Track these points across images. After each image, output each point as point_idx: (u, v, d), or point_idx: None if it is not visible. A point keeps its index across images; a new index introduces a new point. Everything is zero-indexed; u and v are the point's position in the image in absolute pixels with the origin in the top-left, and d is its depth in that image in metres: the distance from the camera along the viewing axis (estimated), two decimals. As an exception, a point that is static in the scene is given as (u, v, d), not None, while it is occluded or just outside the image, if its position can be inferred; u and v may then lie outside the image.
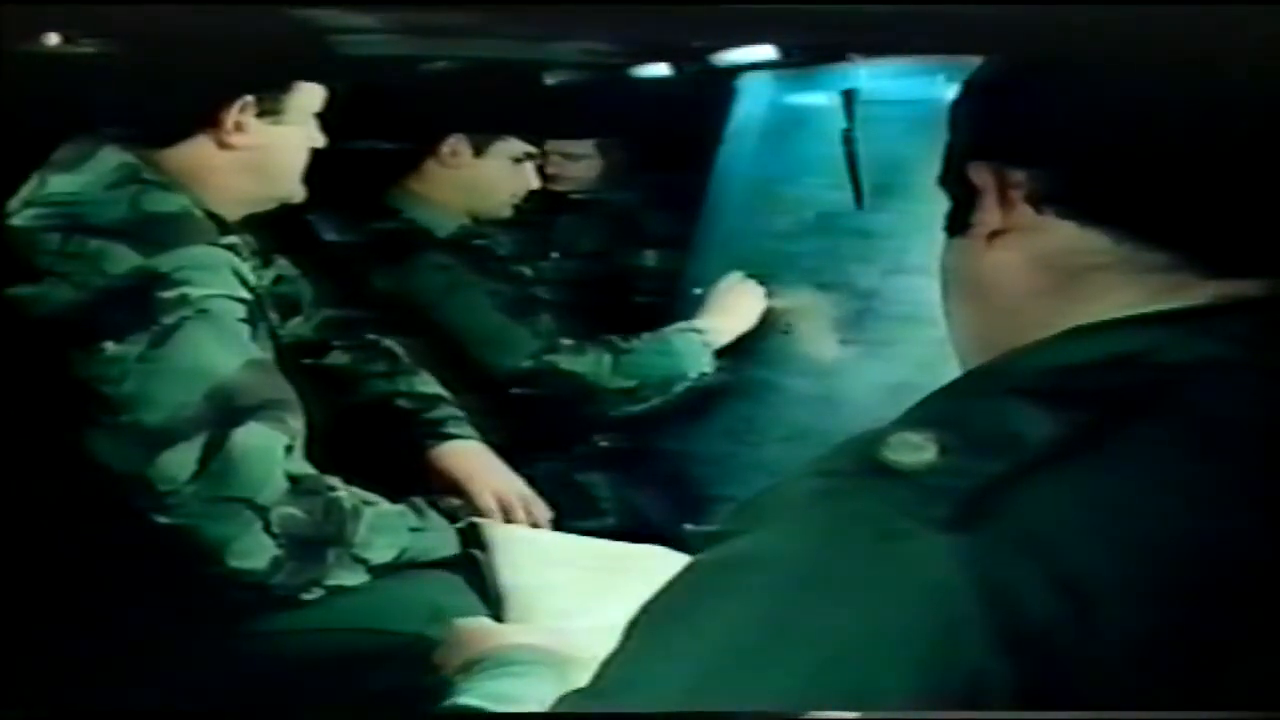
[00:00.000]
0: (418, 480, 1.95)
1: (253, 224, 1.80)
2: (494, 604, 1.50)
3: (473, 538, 1.66)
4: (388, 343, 2.12)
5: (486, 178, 2.37)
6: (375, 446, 2.04)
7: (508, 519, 1.88)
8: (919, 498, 0.63)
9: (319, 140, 1.75)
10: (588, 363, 2.24)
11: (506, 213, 2.44)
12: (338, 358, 2.08)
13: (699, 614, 0.66)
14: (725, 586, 0.67)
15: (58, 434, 1.52)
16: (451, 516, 1.71)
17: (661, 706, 0.64)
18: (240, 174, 1.68)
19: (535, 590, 1.52)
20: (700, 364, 2.27)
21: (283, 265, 2.02)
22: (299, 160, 1.74)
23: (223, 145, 1.65)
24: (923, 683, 0.61)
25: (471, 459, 1.98)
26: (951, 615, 0.61)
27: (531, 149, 2.41)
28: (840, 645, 0.62)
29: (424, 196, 2.35)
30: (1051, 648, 0.60)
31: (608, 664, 0.69)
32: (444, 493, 1.90)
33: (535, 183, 2.43)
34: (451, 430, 2.02)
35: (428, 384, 2.09)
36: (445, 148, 2.34)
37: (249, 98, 1.65)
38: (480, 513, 1.86)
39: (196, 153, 1.65)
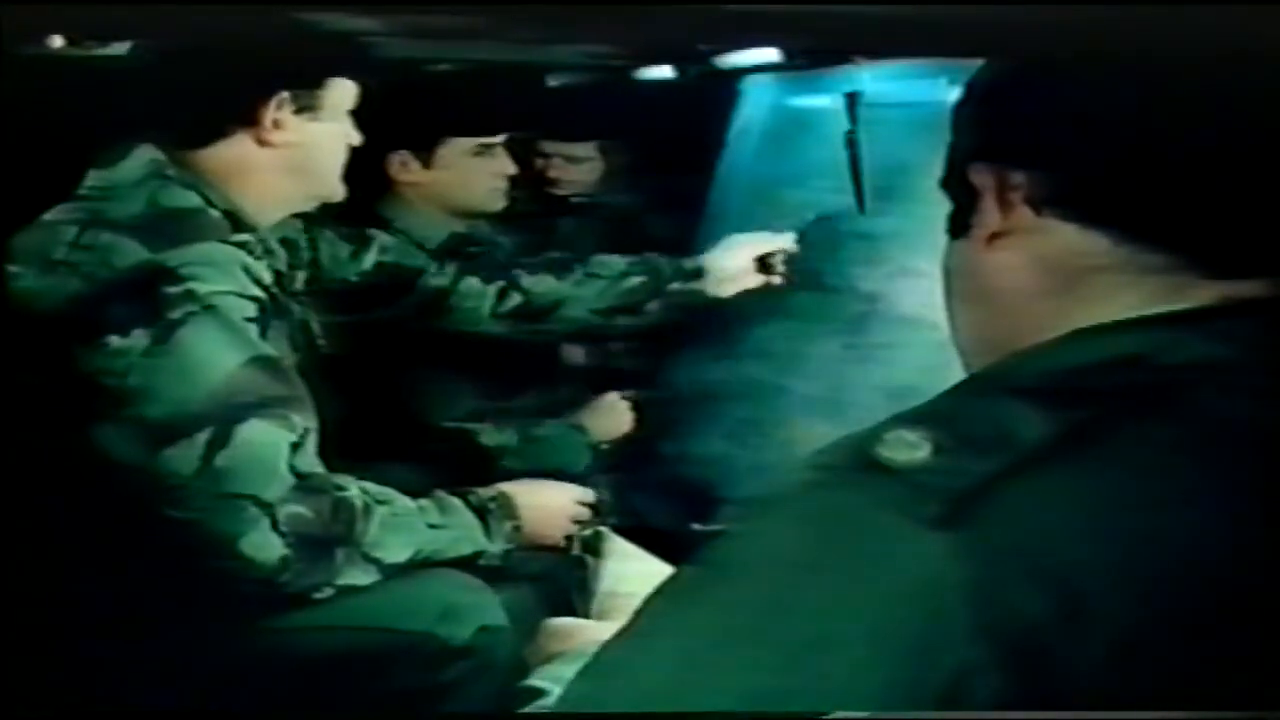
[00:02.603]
0: None
1: (326, 221, 1.85)
2: (584, 605, 1.50)
3: (593, 544, 1.65)
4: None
5: (450, 182, 2.33)
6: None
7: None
8: (910, 495, 0.64)
9: (355, 138, 1.76)
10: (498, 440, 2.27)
11: (498, 204, 2.39)
12: (537, 282, 2.20)
13: (692, 600, 0.67)
14: (718, 575, 0.67)
15: (67, 426, 1.52)
16: (481, 510, 1.70)
17: (649, 688, 0.65)
18: (281, 173, 1.69)
19: (628, 601, 1.52)
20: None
21: (383, 239, 2.09)
22: (338, 158, 1.75)
23: (262, 143, 1.66)
24: (906, 675, 0.61)
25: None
26: (937, 611, 0.61)
27: (487, 139, 2.35)
28: (823, 634, 0.62)
29: (410, 204, 2.34)
30: (1041, 646, 0.61)
31: (608, 646, 0.70)
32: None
33: (513, 167, 2.37)
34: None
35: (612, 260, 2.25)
36: (393, 165, 2.30)
37: (285, 94, 1.65)
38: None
39: (236, 153, 1.66)
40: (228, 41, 1.57)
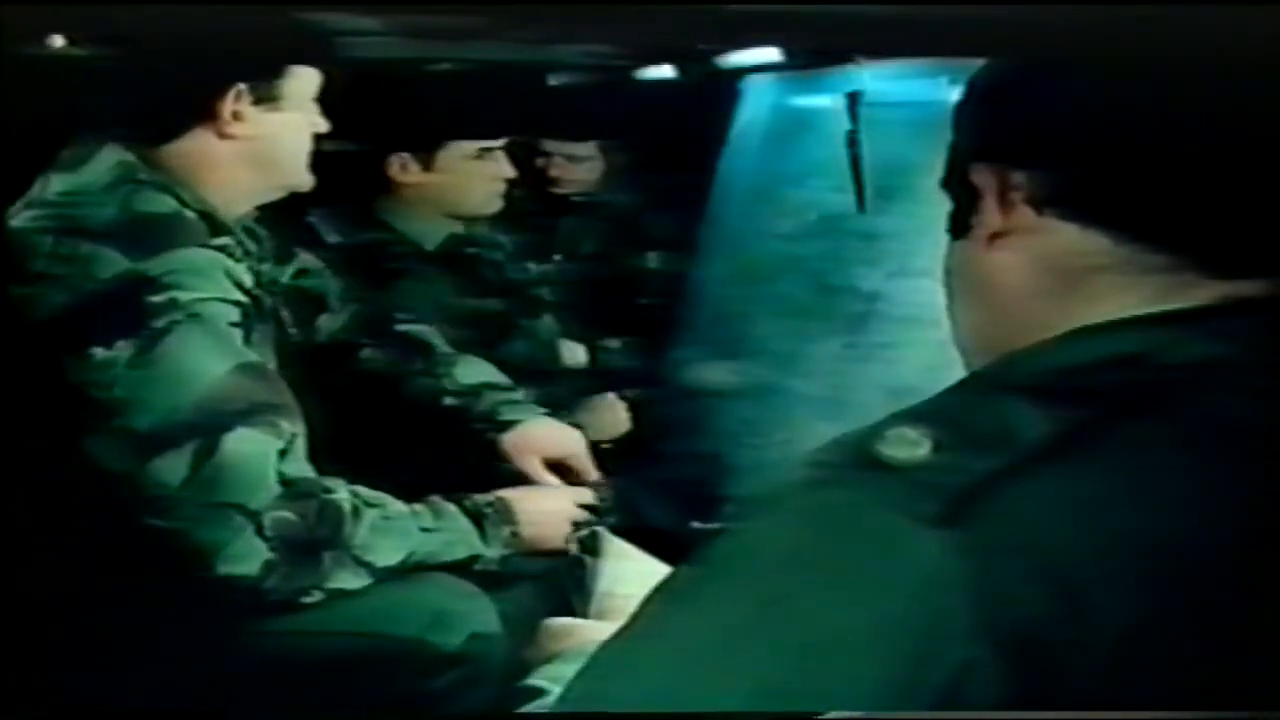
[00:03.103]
0: (486, 474, 1.97)
1: (265, 221, 1.80)
2: (583, 605, 1.51)
3: (590, 544, 1.65)
4: (420, 332, 2.12)
5: (448, 185, 2.32)
6: (430, 445, 2.07)
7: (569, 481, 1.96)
8: (910, 493, 0.64)
9: (321, 125, 1.74)
10: None
11: (495, 207, 2.38)
12: (372, 358, 2.08)
13: (692, 599, 0.67)
14: (718, 573, 0.67)
15: (54, 438, 1.51)
16: (477, 516, 1.69)
17: (649, 687, 0.65)
18: (243, 166, 1.67)
19: (626, 601, 1.53)
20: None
21: (305, 259, 2.02)
22: (302, 147, 1.73)
23: (223, 136, 1.64)
24: (907, 673, 0.61)
25: (521, 440, 2.01)
26: (938, 609, 0.61)
27: (488, 143, 2.34)
28: (824, 632, 0.63)
29: (408, 206, 2.34)
30: (1040, 644, 0.61)
31: (607, 645, 0.70)
32: (528, 477, 1.96)
33: (511, 171, 2.36)
34: (504, 417, 2.03)
35: (469, 371, 2.09)
36: (393, 166, 2.29)
37: (242, 86, 1.63)
38: (579, 485, 1.94)
39: (197, 148, 1.64)
40: (188, 37, 1.56)
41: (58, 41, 1.80)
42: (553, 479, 1.97)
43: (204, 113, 1.64)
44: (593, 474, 2.02)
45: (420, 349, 2.10)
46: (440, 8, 1.78)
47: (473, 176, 2.33)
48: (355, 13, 1.78)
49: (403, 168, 2.29)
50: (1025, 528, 0.63)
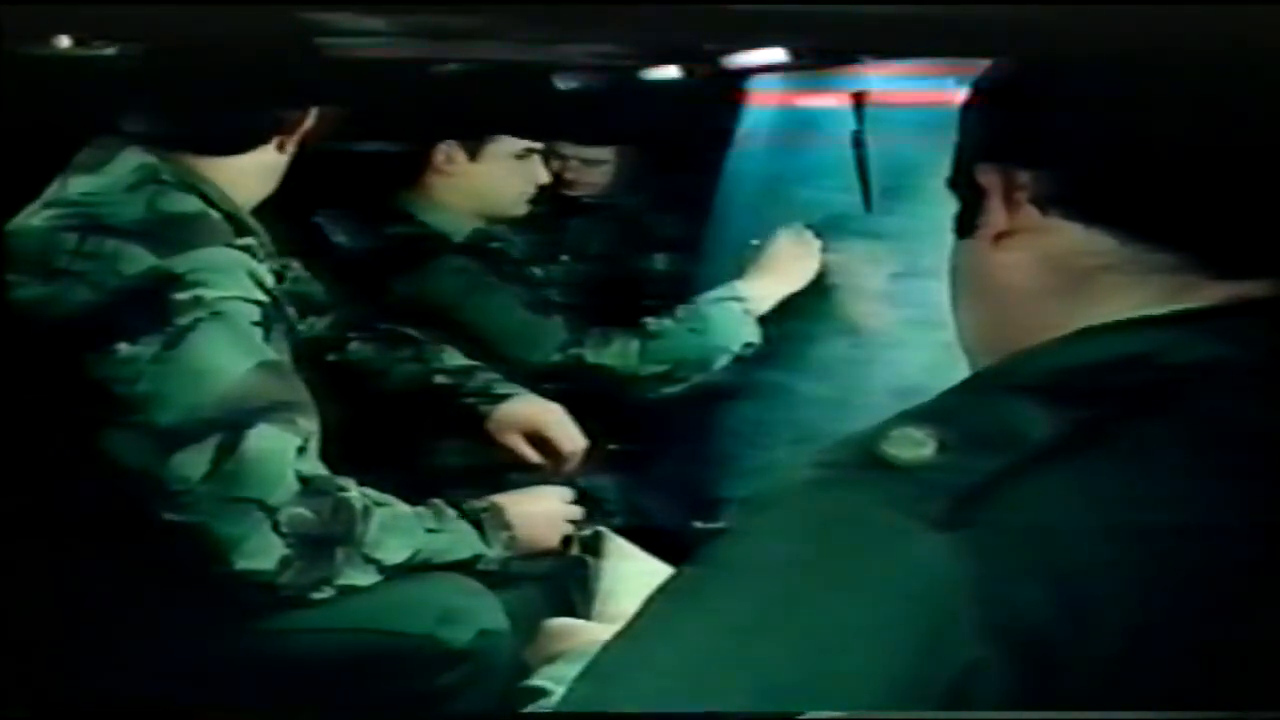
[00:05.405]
0: (476, 453, 2.03)
1: (266, 226, 1.82)
2: (585, 605, 1.51)
3: (593, 545, 1.66)
4: (406, 330, 2.14)
5: (489, 179, 2.35)
6: (416, 432, 2.12)
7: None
8: (914, 493, 0.64)
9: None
10: (614, 354, 2.21)
11: (521, 210, 2.41)
12: (359, 350, 2.10)
13: (696, 600, 0.67)
14: (722, 574, 0.67)
15: (73, 433, 1.53)
16: (475, 520, 1.71)
17: (653, 688, 0.65)
18: (268, 176, 1.72)
19: (627, 601, 1.53)
20: (742, 335, 2.21)
21: (296, 269, 2.04)
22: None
23: (282, 150, 1.71)
24: (911, 674, 0.61)
25: (538, 408, 2.06)
26: (942, 609, 0.61)
27: (532, 144, 2.37)
28: (828, 633, 0.63)
29: (435, 200, 2.35)
30: (1045, 645, 0.61)
31: (610, 646, 0.70)
32: (515, 454, 2.00)
33: (545, 177, 2.40)
34: (502, 390, 2.06)
35: (457, 358, 2.11)
36: (439, 155, 2.32)
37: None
38: (562, 459, 2.00)
39: (259, 158, 1.69)
40: (203, 45, 1.58)
41: (64, 42, 1.81)
42: (533, 454, 2.01)
43: (281, 128, 1.69)
44: (577, 442, 2.04)
45: (407, 341, 2.14)
46: (445, 8, 1.78)
47: (512, 175, 2.36)
48: (359, 13, 1.78)
49: (449, 158, 2.31)
50: (1030, 527, 0.63)
